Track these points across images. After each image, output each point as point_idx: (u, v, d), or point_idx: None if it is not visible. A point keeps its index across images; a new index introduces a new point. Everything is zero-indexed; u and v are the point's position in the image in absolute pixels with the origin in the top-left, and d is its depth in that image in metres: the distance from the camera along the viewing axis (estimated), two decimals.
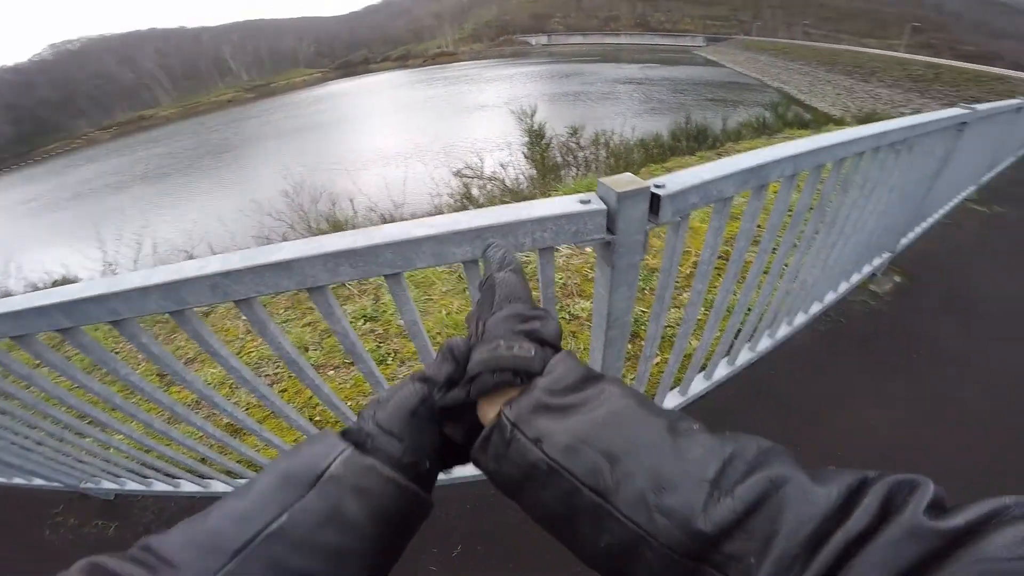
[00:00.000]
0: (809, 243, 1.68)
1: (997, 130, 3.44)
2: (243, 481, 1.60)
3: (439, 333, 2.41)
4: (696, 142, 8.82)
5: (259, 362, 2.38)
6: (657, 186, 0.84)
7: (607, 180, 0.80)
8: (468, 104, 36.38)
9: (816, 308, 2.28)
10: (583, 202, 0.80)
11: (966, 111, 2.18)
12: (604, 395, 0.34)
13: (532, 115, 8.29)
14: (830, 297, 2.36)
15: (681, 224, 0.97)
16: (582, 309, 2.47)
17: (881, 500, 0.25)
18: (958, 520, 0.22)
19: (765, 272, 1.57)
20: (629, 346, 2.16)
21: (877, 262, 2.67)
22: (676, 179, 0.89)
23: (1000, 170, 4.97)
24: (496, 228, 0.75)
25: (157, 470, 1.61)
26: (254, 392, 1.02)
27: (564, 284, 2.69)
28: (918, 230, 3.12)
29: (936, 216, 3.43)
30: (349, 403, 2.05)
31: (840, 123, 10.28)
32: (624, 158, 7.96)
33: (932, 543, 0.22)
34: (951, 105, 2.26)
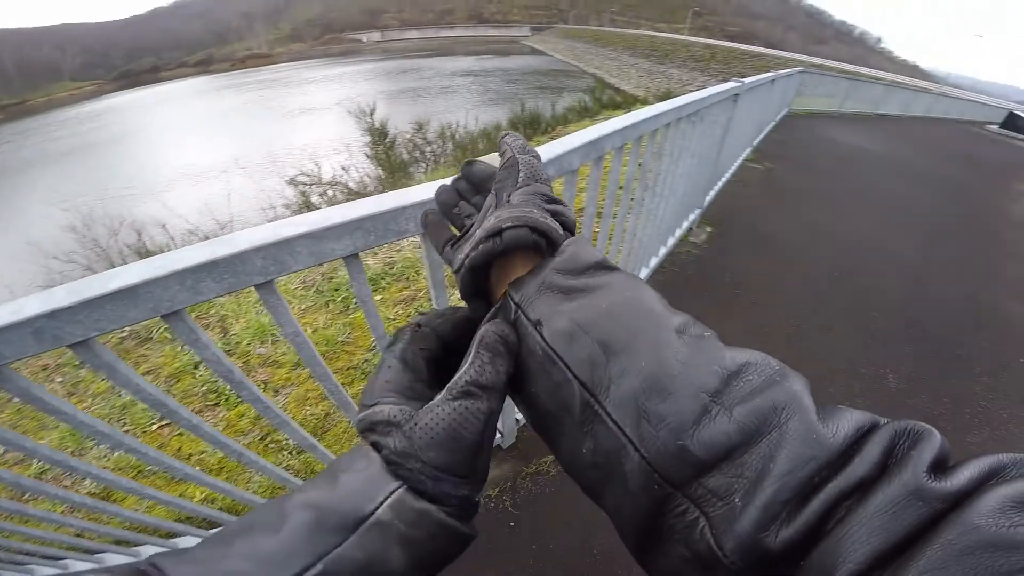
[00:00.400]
0: (639, 207, 1.93)
1: (759, 100, 4.29)
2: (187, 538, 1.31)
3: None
4: (532, 128, 9.41)
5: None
6: None
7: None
8: (292, 108, 33.43)
9: (654, 261, 2.64)
10: None
11: (738, 84, 2.67)
12: (615, 284, 0.31)
13: (371, 113, 7.97)
14: (663, 251, 2.74)
15: None
16: (458, 299, 2.49)
17: (882, 449, 0.23)
18: (959, 482, 0.20)
19: (609, 238, 1.76)
20: None
21: (692, 217, 3.17)
22: None
23: (765, 134, 6.22)
24: (377, 216, 0.73)
25: (31, 554, 1.26)
26: (117, 447, 0.84)
27: None
28: (717, 187, 3.78)
29: (728, 175, 4.18)
30: (241, 440, 1.82)
31: (644, 102, 11.80)
32: (471, 149, 8.15)
33: (933, 507, 0.20)
34: (726, 80, 2.75)
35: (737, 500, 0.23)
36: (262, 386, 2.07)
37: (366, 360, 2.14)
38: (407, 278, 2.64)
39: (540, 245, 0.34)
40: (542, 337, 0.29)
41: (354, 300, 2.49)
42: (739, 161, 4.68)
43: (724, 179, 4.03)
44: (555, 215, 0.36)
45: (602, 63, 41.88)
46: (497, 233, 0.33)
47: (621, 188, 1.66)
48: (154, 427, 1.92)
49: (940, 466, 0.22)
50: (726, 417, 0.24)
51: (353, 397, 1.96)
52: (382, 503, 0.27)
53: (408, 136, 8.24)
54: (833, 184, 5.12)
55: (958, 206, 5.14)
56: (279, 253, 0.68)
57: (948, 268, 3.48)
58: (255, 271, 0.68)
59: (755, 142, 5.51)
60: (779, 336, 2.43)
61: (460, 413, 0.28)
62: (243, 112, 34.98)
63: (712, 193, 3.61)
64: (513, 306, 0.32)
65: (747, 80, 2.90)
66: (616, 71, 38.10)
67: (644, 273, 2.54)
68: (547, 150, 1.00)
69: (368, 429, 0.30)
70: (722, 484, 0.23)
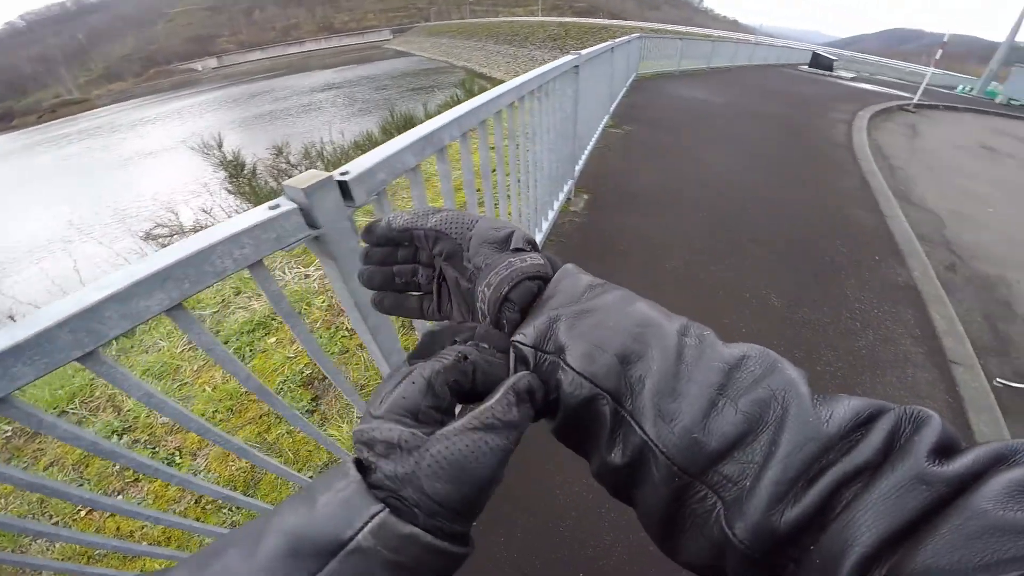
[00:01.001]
0: (504, 189, 1.97)
1: (603, 69, 4.57)
2: None
3: (215, 412, 2.08)
4: (404, 131, 9.27)
5: None
6: (342, 174, 0.88)
7: (291, 181, 0.80)
8: (128, 154, 28.81)
9: (539, 236, 2.74)
10: (272, 207, 0.78)
11: (574, 56, 2.76)
12: (614, 302, 0.34)
13: (219, 146, 7.29)
14: (545, 225, 2.86)
15: (382, 201, 1.03)
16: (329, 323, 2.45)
17: (885, 435, 0.24)
18: (962, 466, 0.21)
19: None
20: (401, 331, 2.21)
21: (567, 188, 3.34)
22: (359, 163, 0.94)
23: (619, 100, 6.68)
24: (186, 260, 0.67)
25: None
26: (54, 539, 0.73)
27: (330, 305, 2.58)
28: (584, 156, 4.00)
29: (592, 143, 4.44)
30: (174, 507, 1.75)
31: None
32: (345, 162, 7.84)
33: (938, 491, 0.21)
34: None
35: (747, 483, 0.25)
36: (175, 453, 1.95)
37: None
38: (299, 312, 2.51)
39: (541, 288, 0.36)
40: (566, 364, 0.31)
41: (248, 349, 2.34)
42: (600, 128, 4.99)
43: (590, 147, 4.27)
44: (520, 251, 0.38)
45: (471, 55, 41.98)
46: (504, 299, 0.36)
47: (479, 171, 1.69)
48: (83, 513, 1.80)
49: (945, 451, 0.23)
50: (732, 408, 0.27)
51: (275, 441, 1.87)
52: (361, 528, 0.24)
53: (269, 163, 7.69)
54: (686, 135, 5.67)
55: (794, 137, 5.98)
56: (88, 323, 0.61)
57: (797, 190, 4.06)
58: (68, 346, 0.61)
59: (611, 108, 5.91)
60: (669, 280, 2.65)
61: (478, 446, 0.27)
62: (68, 169, 29.64)
63: (581, 162, 3.81)
64: (530, 350, 0.33)
65: (584, 51, 3.04)
66: (484, 60, 38.43)
67: None
68: (373, 155, 0.98)
69: (366, 444, 0.28)
70: (735, 470, 0.26)
